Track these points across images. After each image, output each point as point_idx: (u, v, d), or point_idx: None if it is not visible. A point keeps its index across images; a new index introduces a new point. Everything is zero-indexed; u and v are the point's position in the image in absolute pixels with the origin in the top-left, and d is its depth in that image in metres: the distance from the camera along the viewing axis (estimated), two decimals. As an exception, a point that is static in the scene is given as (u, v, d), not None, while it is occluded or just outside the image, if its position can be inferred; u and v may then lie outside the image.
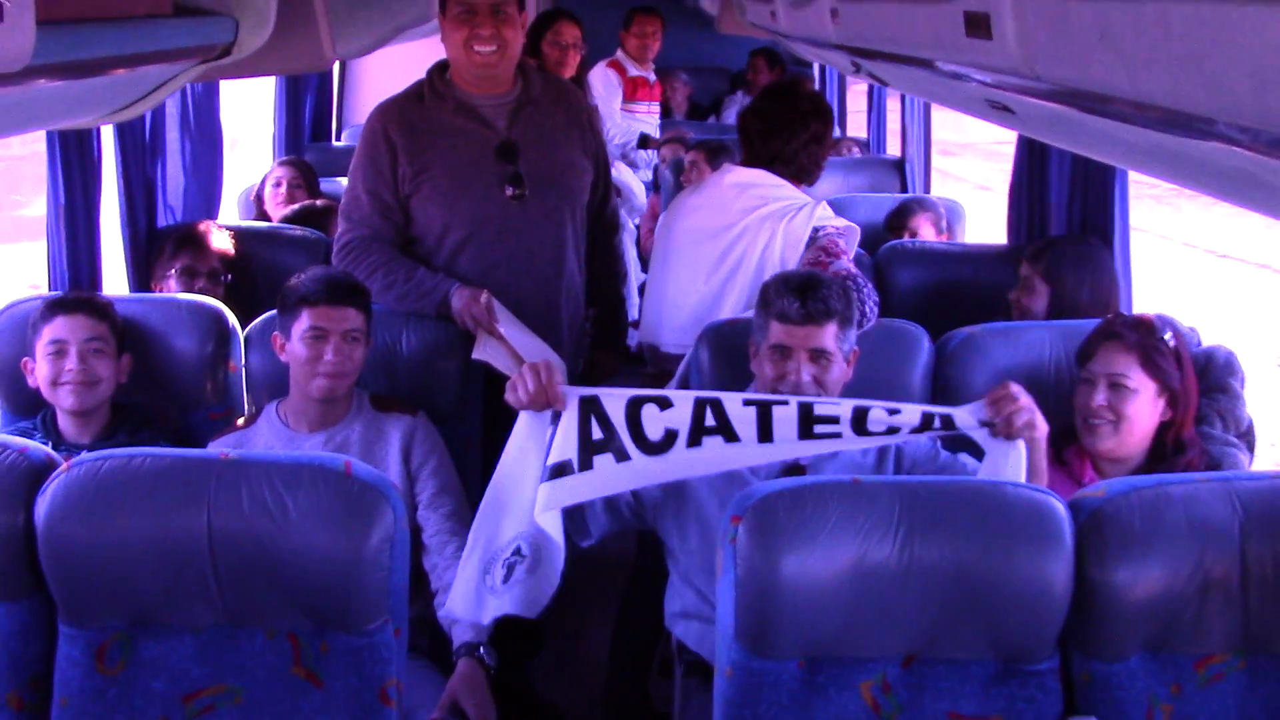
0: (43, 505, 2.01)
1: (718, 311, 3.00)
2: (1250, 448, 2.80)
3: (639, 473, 2.27)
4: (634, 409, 2.24)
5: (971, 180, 9.95)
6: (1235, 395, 2.84)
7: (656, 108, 6.57)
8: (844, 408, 2.22)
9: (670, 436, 2.24)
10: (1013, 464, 2.20)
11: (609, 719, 3.14)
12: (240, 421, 2.79)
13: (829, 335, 2.42)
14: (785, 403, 2.23)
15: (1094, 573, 1.98)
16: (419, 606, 2.49)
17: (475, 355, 2.85)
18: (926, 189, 5.45)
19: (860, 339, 2.77)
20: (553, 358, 2.80)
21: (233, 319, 3.00)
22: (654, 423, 2.24)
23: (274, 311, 2.76)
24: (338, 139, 6.21)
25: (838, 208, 4.60)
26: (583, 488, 2.27)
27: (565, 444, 2.25)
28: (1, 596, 2.07)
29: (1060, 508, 2.00)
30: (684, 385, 2.89)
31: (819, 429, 2.21)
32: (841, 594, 1.97)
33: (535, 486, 2.27)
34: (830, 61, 3.44)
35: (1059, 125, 1.51)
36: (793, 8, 3.05)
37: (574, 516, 2.40)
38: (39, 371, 2.72)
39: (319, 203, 4.18)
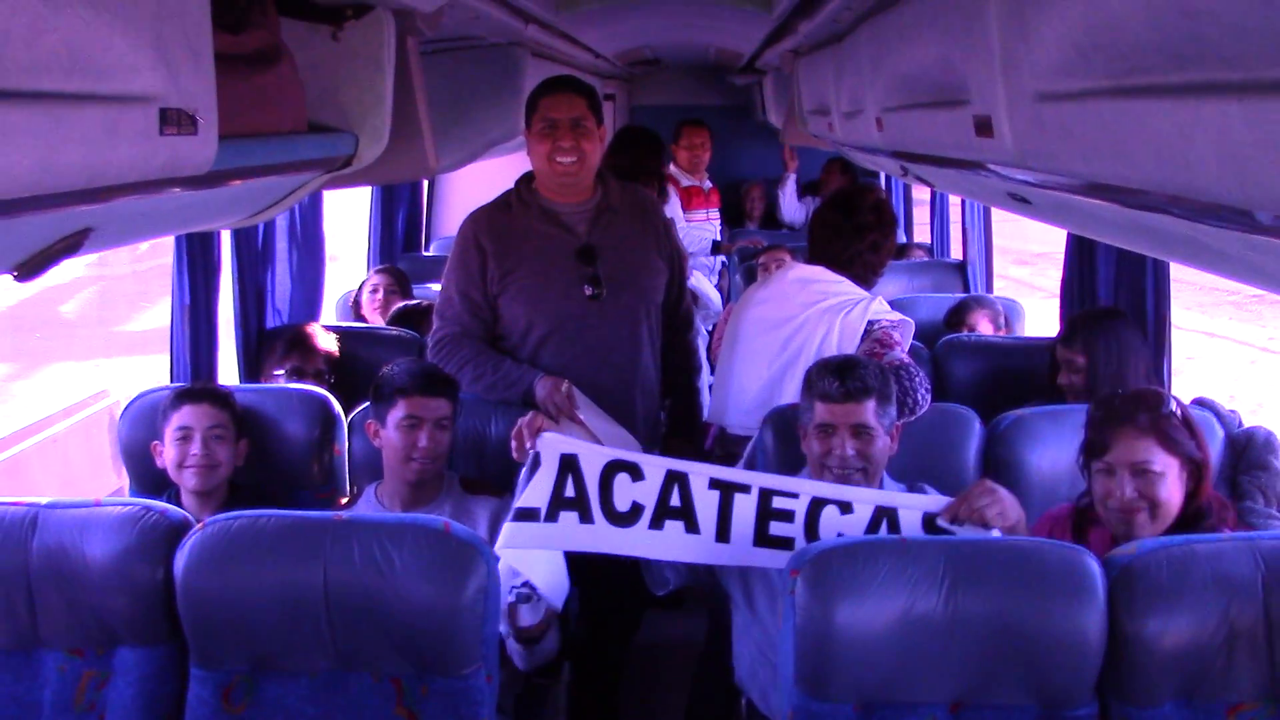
0: (181, 559, 2.28)
1: (778, 397, 3.21)
2: (1292, 521, 2.94)
3: (599, 537, 2.47)
4: (608, 474, 2.45)
5: (1047, 289, 10.10)
6: (1276, 472, 2.98)
7: (715, 214, 6.80)
8: (801, 501, 2.41)
9: (635, 510, 2.45)
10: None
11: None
12: (343, 501, 3.05)
13: (869, 411, 2.61)
14: (747, 491, 2.42)
15: (1126, 624, 2.15)
16: (504, 673, 2.69)
17: None
18: (988, 289, 5.64)
19: (915, 423, 2.97)
20: (631, 442, 3.02)
21: (337, 406, 3.27)
22: (624, 492, 2.45)
23: (371, 401, 3.02)
24: (427, 249, 6.58)
25: (901, 307, 4.84)
26: (543, 537, 2.48)
27: (538, 493, 2.46)
28: (141, 642, 2.34)
29: (1093, 564, 2.18)
30: (750, 466, 3.09)
31: (774, 527, 2.41)
32: (892, 642, 2.15)
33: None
34: (883, 167, 3.70)
35: (1065, 211, 1.74)
36: (846, 119, 3.32)
37: (652, 568, 2.61)
38: (166, 454, 3.00)
39: (423, 303, 4.49)
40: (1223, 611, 2.14)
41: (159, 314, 11.54)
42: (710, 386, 4.40)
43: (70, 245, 1.49)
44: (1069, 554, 2.20)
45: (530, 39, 4.04)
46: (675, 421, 3.62)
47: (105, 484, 3.79)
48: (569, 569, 3.22)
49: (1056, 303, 3.99)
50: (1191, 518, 2.47)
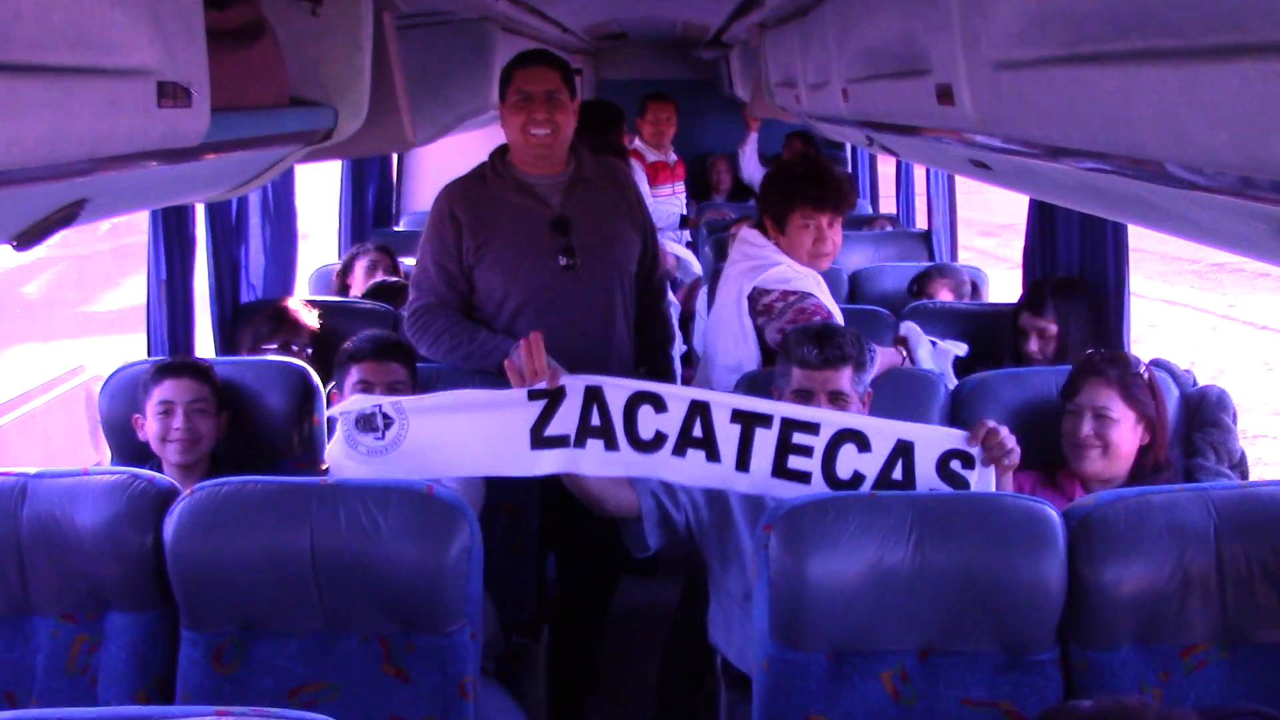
0: (170, 525, 2.33)
1: (712, 351, 3.38)
2: (1243, 477, 3.05)
3: (624, 463, 2.53)
4: (632, 405, 2.51)
5: (1011, 259, 10.24)
6: (1227, 429, 3.09)
7: (681, 187, 6.87)
8: (821, 437, 2.47)
9: (659, 438, 2.51)
10: (981, 484, 2.48)
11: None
12: (324, 468, 3.09)
13: (845, 378, 2.69)
14: (768, 425, 2.49)
15: (1085, 572, 2.24)
16: (487, 633, 2.76)
17: None
18: (953, 258, 5.74)
19: (882, 387, 3.05)
20: None
21: (315, 378, 3.32)
22: (647, 422, 2.51)
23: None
24: (397, 224, 6.62)
25: (867, 276, 4.95)
26: (571, 461, 2.53)
27: (565, 421, 2.51)
28: (132, 607, 2.40)
29: (1054, 515, 2.27)
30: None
31: (793, 461, 2.47)
32: (862, 593, 2.24)
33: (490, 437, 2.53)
34: (848, 137, 3.77)
35: (1024, 175, 1.82)
36: (813, 90, 3.39)
37: (633, 532, 2.69)
38: (149, 428, 3.04)
39: (393, 279, 4.54)
40: (1177, 559, 2.23)
41: (125, 294, 11.48)
42: (682, 356, 4.51)
43: (67, 216, 1.54)
44: (1031, 507, 2.29)
45: (501, 14, 4.09)
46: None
47: (85, 458, 3.82)
48: (549, 538, 3.31)
49: (1019, 273, 4.09)
50: (1150, 469, 2.78)
